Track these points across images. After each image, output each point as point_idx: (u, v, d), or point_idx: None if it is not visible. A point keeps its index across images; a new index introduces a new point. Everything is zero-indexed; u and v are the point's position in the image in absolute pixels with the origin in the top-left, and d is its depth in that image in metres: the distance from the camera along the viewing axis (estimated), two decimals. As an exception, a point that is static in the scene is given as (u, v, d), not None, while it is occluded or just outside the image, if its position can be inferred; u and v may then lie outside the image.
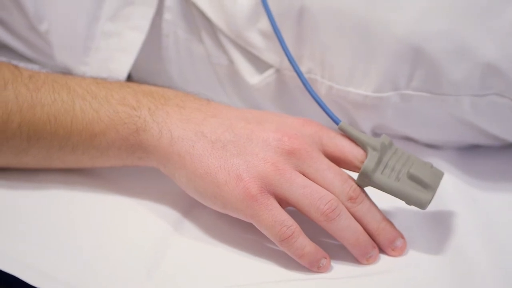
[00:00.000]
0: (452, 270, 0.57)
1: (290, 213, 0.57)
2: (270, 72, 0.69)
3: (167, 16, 0.71)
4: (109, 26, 0.70)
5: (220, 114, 0.60)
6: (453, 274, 0.56)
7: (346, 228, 0.56)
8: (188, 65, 0.73)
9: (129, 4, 0.70)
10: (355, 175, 0.58)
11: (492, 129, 0.66)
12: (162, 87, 0.63)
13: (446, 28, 0.62)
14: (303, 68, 0.67)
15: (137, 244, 0.59)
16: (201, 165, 0.57)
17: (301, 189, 0.56)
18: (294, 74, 0.64)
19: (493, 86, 0.62)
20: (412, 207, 0.58)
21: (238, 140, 0.58)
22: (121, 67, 0.70)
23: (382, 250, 0.59)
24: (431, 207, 0.58)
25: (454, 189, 0.65)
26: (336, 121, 0.59)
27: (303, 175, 0.57)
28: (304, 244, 0.56)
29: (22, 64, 0.65)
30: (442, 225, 0.61)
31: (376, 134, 0.70)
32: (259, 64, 0.69)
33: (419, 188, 0.57)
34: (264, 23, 0.67)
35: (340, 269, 0.57)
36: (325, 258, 0.57)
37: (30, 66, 0.71)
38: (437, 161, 0.67)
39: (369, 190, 0.59)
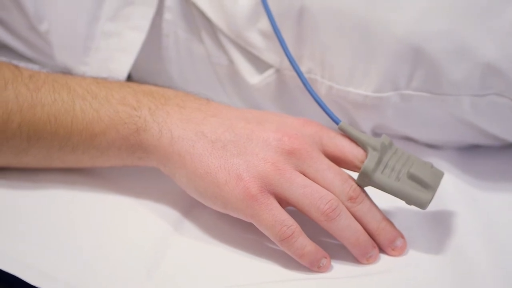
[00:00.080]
0: (452, 270, 0.57)
1: (290, 213, 0.57)
2: (270, 72, 0.69)
3: (167, 16, 0.71)
4: (109, 26, 0.70)
5: (220, 114, 0.60)
6: (453, 274, 0.56)
7: (346, 228, 0.56)
8: (188, 65, 0.73)
9: (129, 4, 0.70)
10: (355, 175, 0.58)
11: (492, 129, 0.66)
12: (162, 87, 0.63)
13: (446, 28, 0.62)
14: (303, 68, 0.67)
15: (137, 244, 0.59)
16: (201, 165, 0.57)
17: (301, 189, 0.56)
18: (294, 74, 0.64)
19: (493, 86, 0.62)
20: (412, 207, 0.58)
21: (238, 140, 0.58)
22: (121, 67, 0.70)
23: (382, 250, 0.59)
24: (431, 207, 0.58)
25: (454, 189, 0.65)
26: (336, 121, 0.59)
27: (303, 175, 0.57)
28: (305, 243, 0.56)
29: (22, 64, 0.65)
30: (442, 225, 0.61)
31: (376, 134, 0.70)
32: (259, 64, 0.69)
33: (419, 188, 0.57)
34: (264, 23, 0.67)
35: (340, 269, 0.57)
36: (325, 257, 0.57)
37: (30, 66, 0.71)
38: (437, 161, 0.67)
39: (369, 190, 0.59)
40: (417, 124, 0.67)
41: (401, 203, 0.58)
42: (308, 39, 0.66)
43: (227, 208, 0.57)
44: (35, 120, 0.60)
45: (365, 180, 0.58)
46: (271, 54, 0.68)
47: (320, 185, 0.57)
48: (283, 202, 0.57)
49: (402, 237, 0.59)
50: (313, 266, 0.57)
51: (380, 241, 0.58)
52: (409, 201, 0.57)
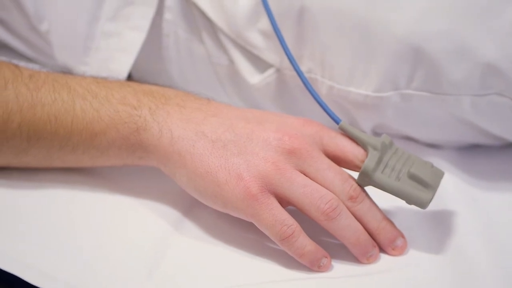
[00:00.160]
0: (452, 269, 0.57)
1: (290, 212, 0.57)
2: (270, 71, 0.69)
3: (168, 16, 0.71)
4: (109, 26, 0.70)
5: (221, 114, 0.60)
6: (454, 273, 0.56)
7: (346, 228, 0.56)
8: (188, 65, 0.73)
9: (129, 4, 0.70)
10: (355, 175, 0.58)
11: (492, 129, 0.66)
12: (163, 86, 0.63)
13: (446, 28, 0.62)
14: (303, 68, 0.67)
15: (137, 244, 0.59)
16: (201, 165, 0.57)
17: (301, 188, 0.56)
18: (295, 73, 0.64)
19: (493, 86, 0.62)
20: (413, 207, 0.58)
21: (239, 139, 0.58)
22: (121, 67, 0.70)
23: (382, 250, 0.59)
24: (431, 207, 0.58)
25: (454, 189, 0.65)
26: (336, 121, 0.60)
27: (304, 174, 0.57)
28: (305, 243, 0.56)
29: (22, 64, 0.65)
30: (443, 224, 0.61)
31: (376, 134, 0.70)
32: (260, 64, 0.69)
33: (420, 188, 0.57)
34: (264, 23, 0.67)
35: (340, 269, 0.57)
36: (326, 257, 0.57)
37: (30, 65, 0.71)
38: (438, 161, 0.67)
39: (369, 189, 0.59)
40: (418, 123, 0.67)
41: (401, 203, 0.58)
42: (308, 39, 0.66)
43: (227, 208, 0.57)
44: (35, 120, 0.60)
45: (365, 179, 0.58)
46: (271, 53, 0.68)
47: (321, 185, 0.57)
48: (284, 202, 0.57)
49: (403, 236, 0.59)
50: (313, 266, 0.57)
51: (380, 241, 0.58)
52: (409, 201, 0.57)
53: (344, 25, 0.64)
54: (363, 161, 0.58)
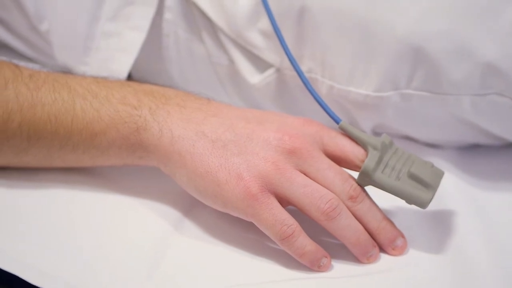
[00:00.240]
0: (452, 269, 0.57)
1: (290, 212, 0.57)
2: (270, 71, 0.69)
3: (168, 16, 0.71)
4: (109, 26, 0.70)
5: (221, 114, 0.60)
6: (454, 273, 0.56)
7: (346, 227, 0.56)
8: (188, 65, 0.73)
9: (129, 4, 0.70)
10: (355, 175, 0.58)
11: (492, 129, 0.66)
12: (163, 86, 0.63)
13: (446, 28, 0.62)
14: (303, 68, 0.67)
15: (137, 244, 0.59)
16: (201, 164, 0.57)
17: (301, 188, 0.56)
18: (295, 73, 0.65)
19: (493, 85, 0.62)
20: (413, 207, 0.58)
21: (239, 139, 0.58)
22: (121, 67, 0.70)
23: (382, 249, 0.59)
24: (431, 207, 0.58)
25: (454, 189, 0.65)
26: (336, 121, 0.60)
27: (304, 174, 0.57)
28: (305, 243, 0.56)
29: (22, 64, 0.65)
30: (443, 224, 0.61)
31: (376, 134, 0.70)
32: (260, 64, 0.69)
33: (420, 188, 0.57)
34: (264, 23, 0.68)
35: (340, 268, 0.57)
36: (326, 257, 0.57)
37: (30, 65, 0.71)
38: (438, 161, 0.68)
39: (369, 189, 0.59)
40: (418, 123, 0.67)
41: (401, 203, 0.58)
42: (308, 39, 0.66)
43: (227, 208, 0.57)
44: (36, 120, 0.60)
45: (365, 179, 0.58)
46: (272, 53, 0.68)
47: (321, 185, 0.57)
48: (284, 202, 0.57)
49: (403, 236, 0.59)
50: (313, 266, 0.57)
51: (380, 241, 0.58)
52: (409, 201, 0.57)
53: (344, 25, 0.64)
54: (363, 161, 0.58)
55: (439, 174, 0.59)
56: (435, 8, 0.62)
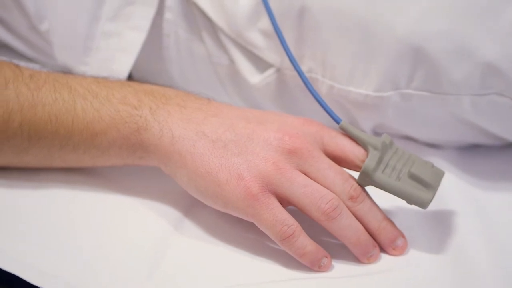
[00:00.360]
0: (452, 269, 0.57)
1: (291, 212, 0.57)
2: (270, 71, 0.69)
3: (168, 15, 0.71)
4: (109, 26, 0.70)
5: (221, 114, 0.60)
6: (454, 273, 0.56)
7: (347, 227, 0.56)
8: (189, 64, 0.73)
9: (129, 4, 0.70)
10: (356, 175, 0.58)
11: (492, 129, 0.66)
12: (163, 86, 0.63)
13: (446, 28, 0.62)
14: (303, 68, 0.67)
15: (137, 244, 0.59)
16: (202, 164, 0.57)
17: (302, 188, 0.56)
18: (295, 73, 0.65)
19: (493, 85, 0.62)
20: (413, 207, 0.58)
21: (239, 139, 0.58)
22: (122, 67, 0.70)
23: (383, 249, 0.59)
24: (431, 207, 0.58)
25: (454, 189, 0.65)
26: (337, 120, 0.60)
27: (304, 174, 0.57)
28: (305, 243, 0.56)
29: (22, 64, 0.65)
30: (443, 224, 0.61)
31: (377, 134, 0.70)
32: (260, 64, 0.69)
33: (420, 188, 0.57)
34: (264, 23, 0.68)
35: (341, 269, 0.57)
36: (326, 257, 0.57)
37: (30, 65, 0.71)
38: (438, 161, 0.68)
39: (370, 189, 0.59)
40: (418, 123, 0.67)
41: (401, 203, 0.58)
42: (309, 38, 0.66)
43: (227, 208, 0.57)
44: (36, 120, 0.60)
45: (365, 179, 0.58)
46: (272, 53, 0.68)
47: (321, 185, 0.57)
48: (284, 202, 0.57)
49: (403, 236, 0.59)
50: (313, 266, 0.57)
51: (381, 241, 0.58)
52: (409, 201, 0.57)
53: (344, 25, 0.64)
54: (363, 161, 0.58)
55: (440, 174, 0.59)
56: (435, 8, 0.62)
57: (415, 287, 0.56)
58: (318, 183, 0.57)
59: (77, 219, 0.61)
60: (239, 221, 0.58)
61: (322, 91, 0.67)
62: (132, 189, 0.64)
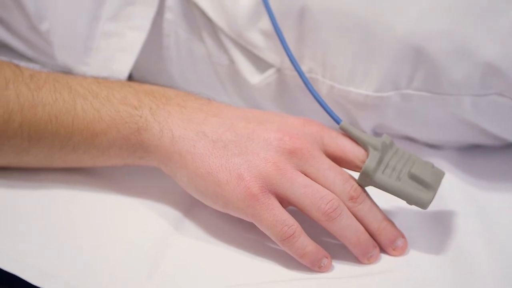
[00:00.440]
0: (453, 270, 0.57)
1: (291, 212, 0.57)
2: (271, 71, 0.69)
3: (168, 15, 0.71)
4: (109, 26, 0.70)
5: (221, 114, 0.60)
6: (454, 274, 0.56)
7: (347, 228, 0.56)
8: (189, 65, 0.73)
9: (129, 4, 0.70)
10: (356, 175, 0.58)
11: (493, 129, 0.66)
12: (163, 86, 0.63)
13: (446, 28, 0.62)
14: (304, 68, 0.67)
15: (137, 244, 0.59)
16: (202, 165, 0.57)
17: (302, 189, 0.56)
18: (295, 73, 0.64)
19: (493, 86, 0.62)
20: (413, 207, 0.58)
21: (239, 139, 0.58)
22: (122, 67, 0.70)
23: (383, 250, 0.59)
24: (432, 207, 0.58)
25: (455, 189, 0.65)
26: (337, 121, 0.60)
27: (305, 174, 0.57)
28: (305, 243, 0.56)
29: (23, 64, 0.65)
30: (443, 225, 0.61)
31: (377, 134, 0.70)
32: (260, 64, 0.69)
33: (420, 188, 0.57)
34: (265, 23, 0.68)
35: (341, 269, 0.57)
36: (326, 257, 0.57)
37: (31, 65, 0.71)
38: (438, 161, 0.68)
39: (370, 189, 0.59)
40: (418, 123, 0.67)
41: (402, 203, 0.58)
42: (309, 39, 0.66)
43: (228, 208, 0.57)
44: (36, 120, 0.60)
45: (366, 180, 0.58)
46: (272, 53, 0.68)
47: (321, 185, 0.57)
48: (284, 202, 0.57)
49: (403, 237, 0.59)
50: (314, 266, 0.57)
51: (381, 241, 0.58)
52: (410, 201, 0.57)
53: (344, 25, 0.64)
54: (363, 162, 0.58)
55: (440, 175, 0.59)
56: (435, 8, 0.62)
57: (415, 287, 0.56)
58: (319, 183, 0.57)
59: (77, 219, 0.61)
60: (239, 221, 0.58)
61: (322, 92, 0.67)
62: (132, 189, 0.64)
